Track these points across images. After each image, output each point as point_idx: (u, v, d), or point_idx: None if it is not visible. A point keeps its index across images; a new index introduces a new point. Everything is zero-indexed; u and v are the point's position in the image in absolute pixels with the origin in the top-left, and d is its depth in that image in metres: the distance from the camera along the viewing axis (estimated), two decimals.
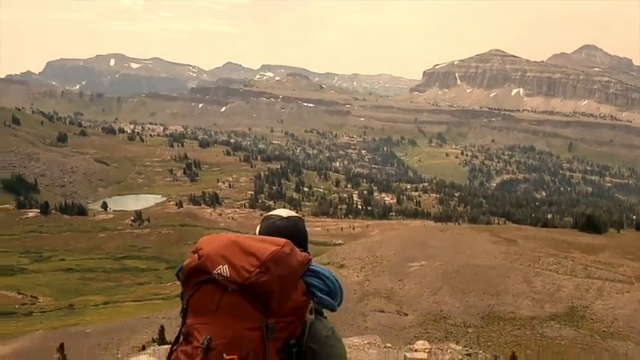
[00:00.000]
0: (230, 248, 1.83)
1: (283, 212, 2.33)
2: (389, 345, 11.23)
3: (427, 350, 10.25)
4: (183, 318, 1.88)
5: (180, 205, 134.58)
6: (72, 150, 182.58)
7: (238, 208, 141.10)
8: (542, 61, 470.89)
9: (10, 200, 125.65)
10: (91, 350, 39.52)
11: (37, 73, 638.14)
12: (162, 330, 24.17)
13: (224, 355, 1.72)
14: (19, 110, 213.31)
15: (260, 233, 2.21)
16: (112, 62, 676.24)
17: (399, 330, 34.94)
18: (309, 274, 1.97)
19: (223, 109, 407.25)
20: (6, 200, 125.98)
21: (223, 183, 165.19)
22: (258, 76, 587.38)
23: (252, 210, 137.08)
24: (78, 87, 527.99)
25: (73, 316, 58.25)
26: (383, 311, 38.53)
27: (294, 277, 1.88)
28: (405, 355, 9.80)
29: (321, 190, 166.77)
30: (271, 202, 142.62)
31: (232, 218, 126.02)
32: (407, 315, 37.71)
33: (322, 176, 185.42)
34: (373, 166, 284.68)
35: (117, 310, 60.63)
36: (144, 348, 23.69)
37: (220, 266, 1.79)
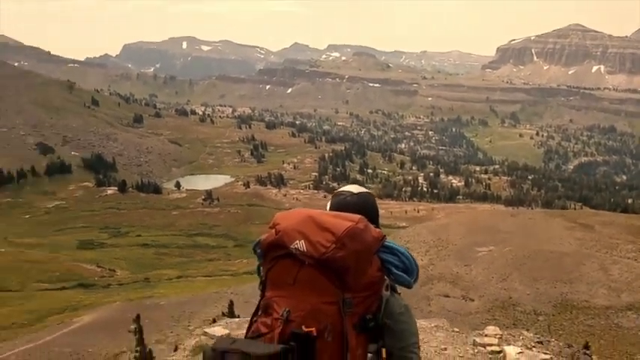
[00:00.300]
0: (306, 224, 1.85)
1: (354, 188, 2.30)
2: (456, 329, 10.93)
3: (498, 336, 9.82)
4: (262, 290, 1.91)
5: (247, 185, 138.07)
6: (147, 131, 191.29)
7: (302, 189, 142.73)
8: (626, 37, 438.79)
9: (90, 178, 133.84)
10: (164, 321, 41.63)
11: (114, 56, 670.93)
12: (231, 304, 24.99)
13: (303, 327, 1.75)
14: (97, 92, 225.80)
15: (331, 209, 2.19)
16: (184, 45, 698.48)
17: (464, 315, 34.15)
18: (384, 250, 1.99)
19: (289, 90, 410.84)
20: (86, 178, 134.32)
21: (288, 164, 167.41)
22: (324, 56, 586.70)
23: (315, 191, 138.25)
24: (152, 70, 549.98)
25: (148, 288, 61.42)
26: (448, 296, 37.74)
27: (370, 252, 1.89)
28: (474, 340, 9.45)
29: (385, 172, 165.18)
30: (335, 184, 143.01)
31: (297, 199, 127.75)
32: (473, 301, 36.76)
33: (387, 158, 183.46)
34: (440, 147, 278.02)
35: (189, 285, 63.33)
36: (214, 321, 24.52)
37: (297, 241, 1.82)
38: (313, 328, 1.75)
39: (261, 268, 1.99)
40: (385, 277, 1.97)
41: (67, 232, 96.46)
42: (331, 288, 1.79)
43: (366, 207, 2.18)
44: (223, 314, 28.98)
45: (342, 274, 1.79)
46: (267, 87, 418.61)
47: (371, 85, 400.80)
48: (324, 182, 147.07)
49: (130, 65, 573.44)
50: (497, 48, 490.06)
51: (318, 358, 1.76)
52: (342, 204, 2.19)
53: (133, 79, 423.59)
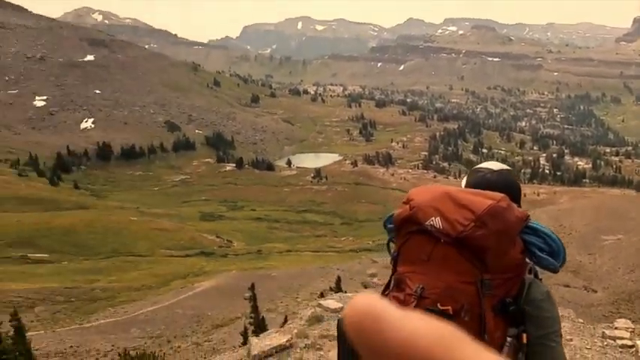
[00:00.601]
0: (442, 200, 1.75)
1: (493, 165, 2.17)
2: (581, 320, 10.01)
3: (630, 330, 8.80)
4: (394, 266, 1.83)
5: (355, 164, 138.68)
6: (263, 110, 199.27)
7: (411, 168, 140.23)
8: None
9: (211, 155, 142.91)
10: (274, 292, 43.53)
11: (234, 38, 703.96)
12: (338, 280, 25.52)
13: (438, 304, 1.67)
14: (219, 73, 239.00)
15: (467, 187, 2.06)
16: (300, 25, 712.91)
17: (585, 307, 31.55)
18: (528, 231, 1.84)
19: (402, 67, 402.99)
20: (208, 154, 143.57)
21: (397, 143, 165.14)
22: (440, 31, 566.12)
23: (425, 171, 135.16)
24: (269, 51, 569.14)
25: (260, 260, 64.60)
26: (568, 286, 35.10)
27: (512, 233, 1.77)
28: (603, 332, 8.56)
29: (502, 152, 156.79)
30: (446, 164, 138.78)
31: (404, 179, 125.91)
32: (596, 292, 33.83)
33: (504, 137, 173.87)
34: (566, 126, 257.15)
35: (297, 258, 65.55)
36: (322, 295, 24.99)
37: (432, 218, 1.72)
38: (449, 307, 1.67)
39: (393, 243, 1.90)
40: (528, 260, 1.84)
41: (191, 204, 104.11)
42: (469, 268, 1.69)
43: (507, 185, 2.04)
44: (330, 289, 29.50)
45: (481, 254, 1.69)
46: (379, 64, 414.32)
47: (490, 59, 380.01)
48: (434, 162, 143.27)
49: (248, 47, 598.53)
50: (634, 19, 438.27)
51: None
52: (482, 181, 2.06)
53: (251, 60, 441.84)
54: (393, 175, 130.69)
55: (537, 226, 1.89)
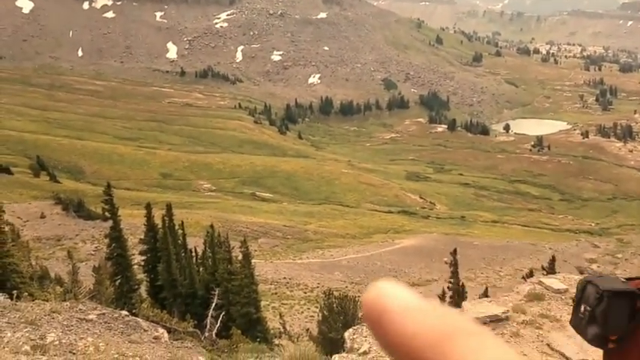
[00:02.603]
0: None
1: None
2: None
3: None
4: None
5: (585, 135, 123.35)
6: (485, 70, 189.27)
7: None
8: None
9: (424, 115, 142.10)
10: (475, 261, 42.45)
11: None
12: (552, 260, 23.59)
13: None
14: (443, 30, 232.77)
15: None
16: None
17: None
18: None
19: None
20: (421, 114, 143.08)
21: None
22: None
23: None
24: (500, 6, 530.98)
25: (463, 226, 63.19)
26: None
27: None
28: None
29: None
30: None
31: None
32: None
33: None
34: None
35: (504, 231, 62.35)
36: (531, 273, 23.58)
37: None
38: None
39: None
40: None
41: (398, 163, 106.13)
42: None
43: None
44: (543, 268, 27.58)
45: None
46: (629, 23, 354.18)
47: None
48: None
49: (477, 2, 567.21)
50: None
51: None
52: None
53: (479, 16, 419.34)
54: (631, 151, 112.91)
55: None
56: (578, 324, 1.51)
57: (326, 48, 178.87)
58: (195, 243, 23.97)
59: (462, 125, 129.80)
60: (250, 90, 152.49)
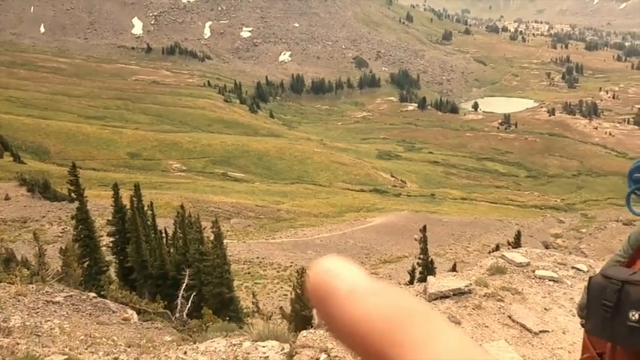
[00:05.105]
0: None
1: None
2: None
3: None
4: None
5: (552, 112, 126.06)
6: (454, 48, 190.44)
7: (619, 122, 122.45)
8: None
9: (394, 93, 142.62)
10: (444, 238, 43.36)
11: None
12: (518, 235, 24.27)
13: None
14: (413, 7, 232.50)
15: None
16: None
17: None
18: None
19: (623, 5, 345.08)
20: (391, 92, 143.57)
21: (606, 92, 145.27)
22: None
23: (636, 127, 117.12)
24: None
25: (433, 204, 64.24)
26: None
27: None
28: None
29: None
30: None
31: (610, 134, 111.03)
32: None
33: None
34: None
35: (472, 208, 63.64)
36: (497, 248, 24.16)
37: None
38: None
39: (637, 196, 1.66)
40: None
41: (370, 142, 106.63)
42: None
43: None
44: (508, 243, 28.31)
45: None
46: (596, 1, 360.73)
47: None
48: None
49: None
50: None
51: None
52: None
53: None
54: (596, 128, 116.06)
55: None
56: (621, 332, 1.29)
57: (296, 25, 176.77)
58: (166, 224, 23.76)
59: (432, 104, 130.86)
60: (219, 67, 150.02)
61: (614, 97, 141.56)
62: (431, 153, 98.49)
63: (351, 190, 69.97)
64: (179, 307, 11.51)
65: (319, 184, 71.98)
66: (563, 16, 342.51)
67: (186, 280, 13.98)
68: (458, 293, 5.30)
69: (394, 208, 56.71)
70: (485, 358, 0.25)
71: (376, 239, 42.86)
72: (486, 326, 4.85)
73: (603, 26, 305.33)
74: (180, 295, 12.26)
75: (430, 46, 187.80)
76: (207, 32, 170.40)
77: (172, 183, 62.59)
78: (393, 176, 78.99)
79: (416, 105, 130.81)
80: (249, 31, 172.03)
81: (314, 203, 59.22)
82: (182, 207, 19.90)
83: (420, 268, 20.62)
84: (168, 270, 17.40)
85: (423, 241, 21.37)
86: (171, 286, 15.85)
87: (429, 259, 21.31)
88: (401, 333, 0.25)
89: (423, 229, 22.14)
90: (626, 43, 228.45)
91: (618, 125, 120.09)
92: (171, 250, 18.77)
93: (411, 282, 18.28)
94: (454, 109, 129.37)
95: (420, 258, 21.77)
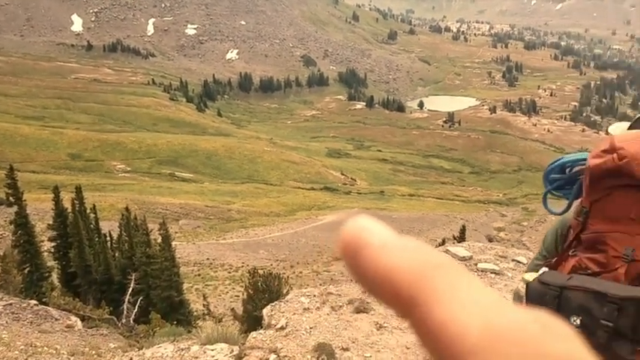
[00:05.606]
0: None
1: None
2: None
3: None
4: (583, 223, 1.51)
5: (493, 110, 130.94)
6: (399, 48, 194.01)
7: (557, 119, 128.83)
8: None
9: (343, 92, 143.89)
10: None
11: None
12: (462, 229, 25.01)
13: None
14: (359, 7, 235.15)
15: None
16: None
17: None
18: None
19: (559, 6, 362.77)
20: (340, 91, 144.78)
21: (544, 90, 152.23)
22: None
23: (573, 124, 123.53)
24: None
25: (383, 201, 65.26)
26: None
27: None
28: None
29: None
30: (598, 117, 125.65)
31: (548, 130, 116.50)
32: None
33: None
34: None
35: (420, 203, 65.11)
36: (443, 242, 24.82)
37: None
38: None
39: (554, 196, 1.67)
40: None
41: (320, 140, 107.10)
42: None
43: None
44: (454, 237, 29.12)
45: None
46: (533, 2, 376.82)
47: None
48: (584, 114, 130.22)
49: None
50: None
51: None
52: None
53: None
54: (535, 125, 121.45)
55: None
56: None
57: (243, 22, 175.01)
58: (110, 227, 22.96)
59: (380, 102, 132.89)
60: (164, 65, 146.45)
61: (551, 95, 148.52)
62: (379, 151, 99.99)
63: (302, 188, 70.00)
64: (125, 312, 11.19)
65: (270, 183, 71.62)
66: (503, 16, 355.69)
67: (132, 285, 13.60)
68: None
69: (345, 205, 57.22)
70: (504, 307, 0.25)
71: (328, 237, 43.09)
72: None
73: (541, 26, 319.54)
74: (127, 299, 11.92)
75: (376, 45, 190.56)
76: (150, 29, 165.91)
77: (117, 184, 60.60)
78: (343, 174, 79.62)
79: (364, 104, 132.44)
80: (195, 29, 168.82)
81: (265, 202, 58.87)
82: (127, 209, 19.33)
83: None
84: (113, 274, 16.85)
85: None
86: (117, 291, 15.37)
87: None
88: (429, 282, 0.26)
89: None
90: (562, 43, 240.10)
91: (556, 122, 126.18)
92: (117, 254, 18.19)
93: None
94: (401, 108, 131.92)
95: None
